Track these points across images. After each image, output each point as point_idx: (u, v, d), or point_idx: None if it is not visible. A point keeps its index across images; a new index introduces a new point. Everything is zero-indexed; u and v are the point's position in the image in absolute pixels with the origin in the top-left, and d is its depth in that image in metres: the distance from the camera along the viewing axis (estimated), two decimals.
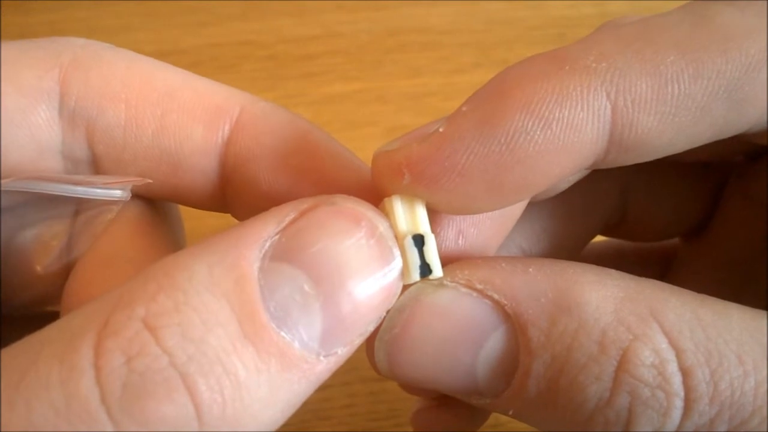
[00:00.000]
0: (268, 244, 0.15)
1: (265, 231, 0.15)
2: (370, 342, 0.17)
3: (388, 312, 0.17)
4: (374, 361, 0.17)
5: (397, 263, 0.16)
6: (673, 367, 0.15)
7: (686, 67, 0.15)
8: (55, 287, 0.20)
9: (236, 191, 0.20)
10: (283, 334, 0.14)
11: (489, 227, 0.19)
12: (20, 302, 0.20)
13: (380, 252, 0.16)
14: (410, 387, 0.23)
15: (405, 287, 0.17)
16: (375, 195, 0.17)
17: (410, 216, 0.17)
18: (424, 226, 0.17)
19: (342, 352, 0.15)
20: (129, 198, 0.19)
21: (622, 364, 0.15)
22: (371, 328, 0.16)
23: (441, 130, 0.16)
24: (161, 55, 0.20)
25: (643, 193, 0.25)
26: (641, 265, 0.28)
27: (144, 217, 0.20)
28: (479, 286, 0.16)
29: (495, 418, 0.31)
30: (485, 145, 0.15)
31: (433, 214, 0.18)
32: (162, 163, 0.19)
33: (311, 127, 0.20)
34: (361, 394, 0.31)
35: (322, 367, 0.15)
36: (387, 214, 0.17)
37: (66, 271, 0.20)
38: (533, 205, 0.23)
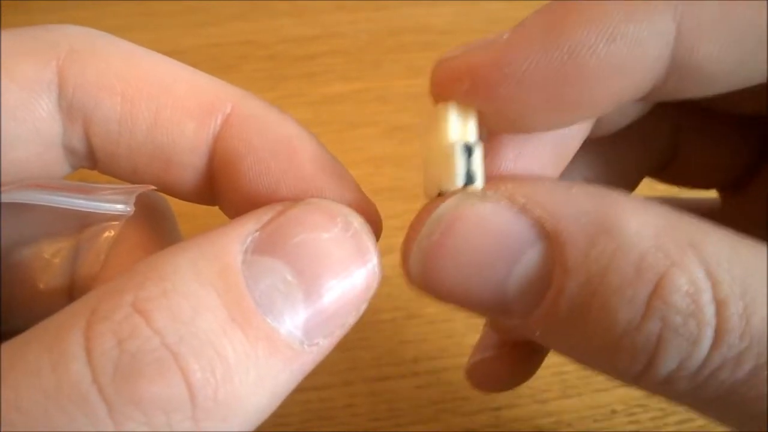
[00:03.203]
0: (249, 239, 0.15)
1: (245, 228, 0.16)
2: (406, 248, 0.17)
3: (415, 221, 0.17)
4: (407, 269, 0.17)
5: (373, 258, 0.16)
6: (707, 297, 0.14)
7: None
8: (60, 305, 0.20)
9: (223, 188, 0.20)
10: (269, 320, 0.15)
11: (549, 151, 0.19)
12: (23, 319, 0.20)
13: (356, 246, 0.16)
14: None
15: (446, 195, 0.17)
16: (353, 202, 0.18)
17: (462, 124, 0.17)
18: (474, 136, 0.17)
19: (323, 343, 0.16)
20: (132, 212, 0.19)
21: (657, 290, 0.15)
22: (351, 321, 0.16)
23: (505, 37, 0.16)
24: None
25: (694, 135, 0.25)
26: None
27: (150, 239, 0.20)
28: (521, 201, 0.16)
29: (495, 418, 0.31)
30: (548, 54, 0.16)
31: (493, 133, 0.18)
32: (155, 158, 0.19)
33: (298, 131, 0.19)
34: (362, 394, 0.31)
35: (305, 357, 0.15)
36: (438, 121, 0.17)
37: (69, 288, 0.20)
38: (594, 140, 0.23)
